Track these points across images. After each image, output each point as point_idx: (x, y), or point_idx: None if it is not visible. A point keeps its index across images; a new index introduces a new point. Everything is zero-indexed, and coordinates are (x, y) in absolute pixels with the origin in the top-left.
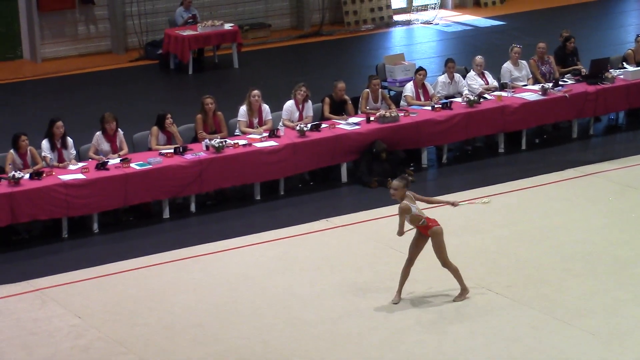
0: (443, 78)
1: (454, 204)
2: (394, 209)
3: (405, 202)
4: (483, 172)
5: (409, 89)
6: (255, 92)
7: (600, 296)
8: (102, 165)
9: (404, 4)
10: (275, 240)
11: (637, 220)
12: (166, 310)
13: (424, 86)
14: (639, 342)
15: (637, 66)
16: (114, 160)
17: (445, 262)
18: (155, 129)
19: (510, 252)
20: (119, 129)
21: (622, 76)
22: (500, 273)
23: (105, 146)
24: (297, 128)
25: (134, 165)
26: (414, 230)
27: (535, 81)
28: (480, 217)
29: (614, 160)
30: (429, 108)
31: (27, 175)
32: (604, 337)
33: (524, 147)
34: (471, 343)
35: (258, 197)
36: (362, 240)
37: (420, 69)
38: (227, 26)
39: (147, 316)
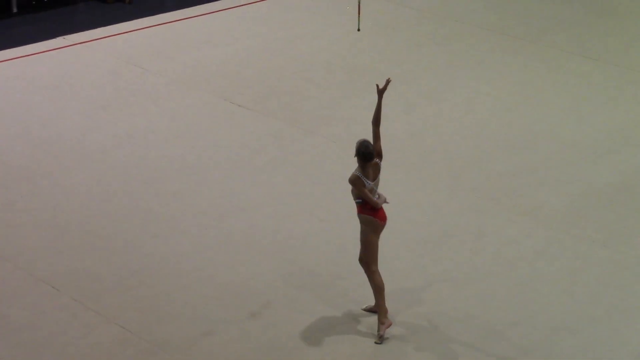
0: None
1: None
2: (133, 24)
3: (354, 172)
4: None
5: None
6: None
7: (341, 104)
8: None
9: None
10: (11, 60)
11: (372, 28)
12: None
13: None
14: None
15: None
16: None
17: (369, 266)
18: None
19: (252, 64)
20: None
21: None
22: (243, 85)
23: None
24: None
25: None
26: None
27: None
28: (220, 30)
29: None
30: None
31: None
32: (344, 142)
33: None
34: (214, 153)
35: None
36: (101, 57)
37: None
38: None
39: None
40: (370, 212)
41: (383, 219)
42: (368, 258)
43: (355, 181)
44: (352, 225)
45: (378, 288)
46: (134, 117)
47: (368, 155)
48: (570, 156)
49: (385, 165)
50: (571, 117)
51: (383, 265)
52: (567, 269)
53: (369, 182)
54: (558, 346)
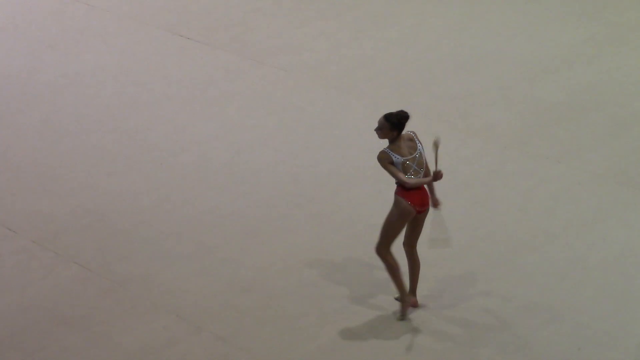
0: None
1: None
2: None
3: (384, 150)
4: None
5: None
6: None
7: (290, 34)
8: None
9: None
10: None
11: None
12: None
13: None
14: (324, 76)
15: None
16: None
17: (378, 248)
18: None
19: None
20: None
21: None
22: (191, 18)
23: None
24: None
25: None
26: None
27: None
28: None
29: None
30: None
31: None
32: (295, 72)
33: None
34: (165, 89)
35: None
36: None
37: None
38: None
39: None
40: (401, 193)
41: (417, 203)
42: (379, 239)
43: (380, 157)
44: (306, 155)
45: (390, 269)
46: (82, 56)
47: (398, 124)
48: (521, 75)
49: (335, 92)
50: (520, 35)
51: (340, 198)
52: (522, 186)
53: (398, 156)
54: (516, 264)
